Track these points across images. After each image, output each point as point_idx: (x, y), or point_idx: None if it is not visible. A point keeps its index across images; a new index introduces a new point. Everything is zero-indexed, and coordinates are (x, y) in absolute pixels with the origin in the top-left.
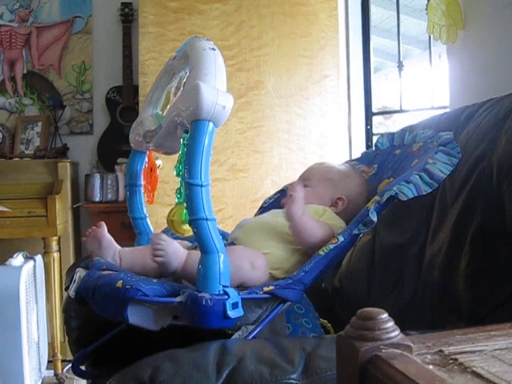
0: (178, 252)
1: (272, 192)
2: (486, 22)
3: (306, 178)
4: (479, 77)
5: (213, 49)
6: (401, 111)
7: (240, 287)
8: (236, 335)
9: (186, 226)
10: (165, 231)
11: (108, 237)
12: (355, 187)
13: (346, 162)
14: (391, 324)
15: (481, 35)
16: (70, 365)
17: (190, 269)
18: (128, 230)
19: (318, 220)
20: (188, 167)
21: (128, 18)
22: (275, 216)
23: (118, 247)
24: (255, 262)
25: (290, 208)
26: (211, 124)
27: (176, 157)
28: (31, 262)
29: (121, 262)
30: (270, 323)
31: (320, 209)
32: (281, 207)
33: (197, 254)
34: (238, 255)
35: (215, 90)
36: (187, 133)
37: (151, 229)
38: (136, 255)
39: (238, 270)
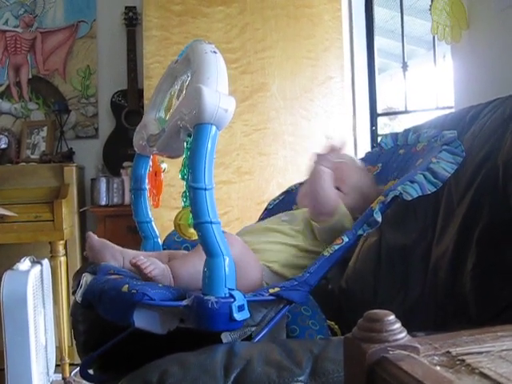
0: (161, 267)
1: (277, 194)
2: (490, 22)
3: (339, 175)
4: (484, 77)
5: (214, 52)
6: (406, 112)
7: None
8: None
9: (193, 230)
10: (174, 233)
11: (100, 241)
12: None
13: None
14: (398, 325)
15: (485, 35)
16: (77, 369)
17: (184, 277)
18: (134, 234)
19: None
20: (191, 171)
21: (132, 21)
22: (272, 221)
23: (118, 247)
24: (230, 241)
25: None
26: (214, 127)
27: (181, 160)
28: (38, 267)
29: (124, 261)
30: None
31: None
32: (286, 209)
33: (177, 261)
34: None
35: (217, 93)
36: (190, 136)
37: (157, 232)
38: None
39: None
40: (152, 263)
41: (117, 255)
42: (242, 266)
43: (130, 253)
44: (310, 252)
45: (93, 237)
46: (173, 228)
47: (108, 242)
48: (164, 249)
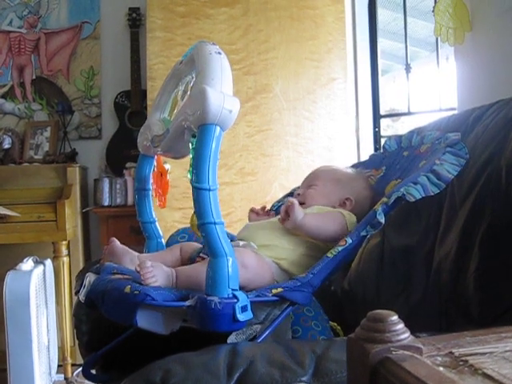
0: (166, 272)
1: (280, 195)
2: (493, 24)
3: (311, 180)
4: (487, 78)
5: (219, 53)
6: (409, 113)
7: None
8: (233, 335)
9: None
10: (177, 234)
11: (122, 246)
12: (362, 190)
13: (352, 166)
14: (401, 326)
15: (488, 37)
16: (80, 369)
17: (187, 282)
18: (137, 235)
19: (320, 214)
20: (195, 171)
21: (136, 22)
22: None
23: (136, 253)
24: (244, 260)
25: (289, 221)
26: (218, 128)
27: (186, 161)
28: (41, 267)
29: None
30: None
31: (325, 208)
32: None
33: (184, 268)
34: None
35: (221, 94)
36: (195, 137)
37: (160, 233)
38: (156, 259)
39: None
40: (155, 275)
41: (134, 260)
42: (256, 278)
43: (144, 257)
44: (317, 252)
45: (116, 242)
46: (176, 228)
47: (128, 248)
48: None
